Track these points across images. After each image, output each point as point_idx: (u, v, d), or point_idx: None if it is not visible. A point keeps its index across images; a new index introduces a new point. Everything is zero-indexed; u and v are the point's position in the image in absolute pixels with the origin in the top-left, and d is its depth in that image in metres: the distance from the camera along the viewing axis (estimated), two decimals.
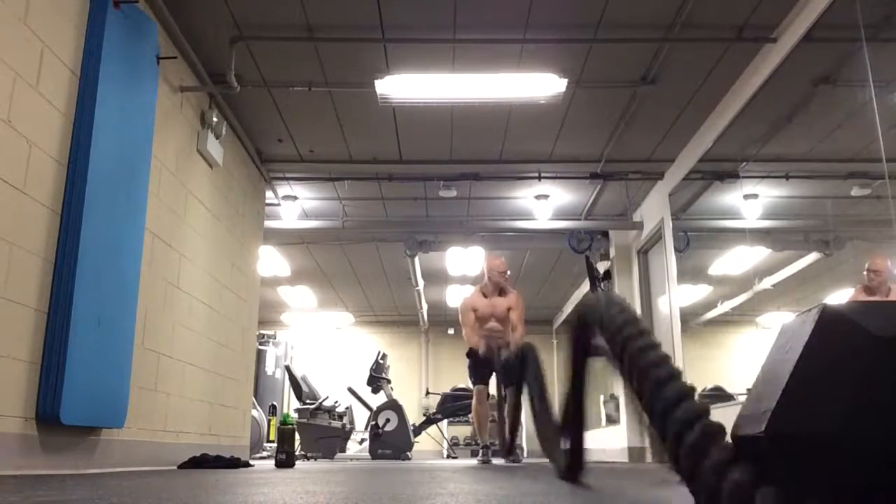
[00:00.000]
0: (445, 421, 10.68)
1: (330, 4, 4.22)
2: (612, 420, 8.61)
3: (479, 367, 5.60)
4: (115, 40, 3.45)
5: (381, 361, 9.64)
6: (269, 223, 6.89)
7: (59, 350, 2.95)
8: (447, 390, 10.70)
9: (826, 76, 4.28)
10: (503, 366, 5.10)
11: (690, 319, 6.13)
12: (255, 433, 7.95)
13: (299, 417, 8.66)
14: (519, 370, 4.47)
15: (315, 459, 8.46)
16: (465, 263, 8.98)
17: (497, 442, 5.63)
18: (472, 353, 5.80)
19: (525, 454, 10.28)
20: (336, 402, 9.18)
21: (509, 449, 4.77)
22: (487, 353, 5.34)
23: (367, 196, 7.11)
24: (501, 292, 5.73)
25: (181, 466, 4.13)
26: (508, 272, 5.80)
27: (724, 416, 0.83)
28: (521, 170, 6.52)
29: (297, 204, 7.30)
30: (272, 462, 5.64)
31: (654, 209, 6.88)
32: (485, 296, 5.73)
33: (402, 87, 4.85)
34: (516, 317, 5.56)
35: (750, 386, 0.92)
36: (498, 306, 5.58)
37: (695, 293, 6.26)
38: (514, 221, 7.59)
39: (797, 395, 0.75)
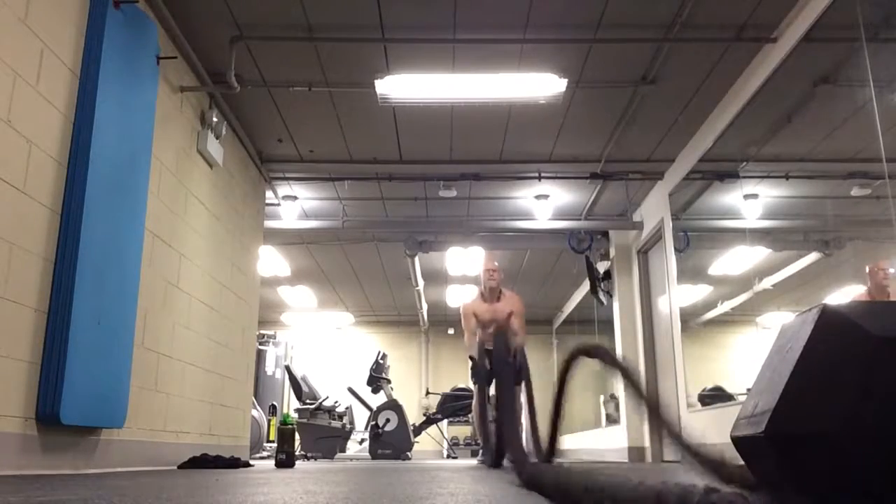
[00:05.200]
0: (445, 421, 10.69)
1: (330, 4, 4.22)
2: (612, 420, 8.61)
3: (482, 368, 5.58)
4: (115, 40, 3.45)
5: (381, 361, 9.65)
6: (269, 223, 6.89)
7: (59, 350, 2.95)
8: (447, 390, 10.71)
9: (826, 76, 4.28)
10: (499, 365, 5.04)
11: (690, 319, 6.13)
12: (255, 433, 7.95)
13: (299, 417, 8.67)
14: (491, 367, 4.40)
15: (315, 459, 8.46)
16: (465, 263, 8.98)
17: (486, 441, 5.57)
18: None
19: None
20: (336, 402, 9.19)
21: (497, 461, 4.46)
22: (486, 345, 5.30)
23: (367, 196, 7.11)
24: (500, 296, 5.67)
25: (181, 466, 4.14)
26: (496, 270, 5.72)
27: (724, 416, 0.82)
28: (521, 170, 6.52)
29: (297, 204, 7.31)
30: (272, 462, 5.64)
31: (654, 209, 6.88)
32: (485, 301, 5.68)
33: (402, 87, 4.85)
34: (518, 323, 5.46)
35: (750, 386, 0.92)
36: (499, 311, 5.48)
37: (695, 293, 6.26)
38: (514, 221, 7.59)
39: (797, 395, 0.75)
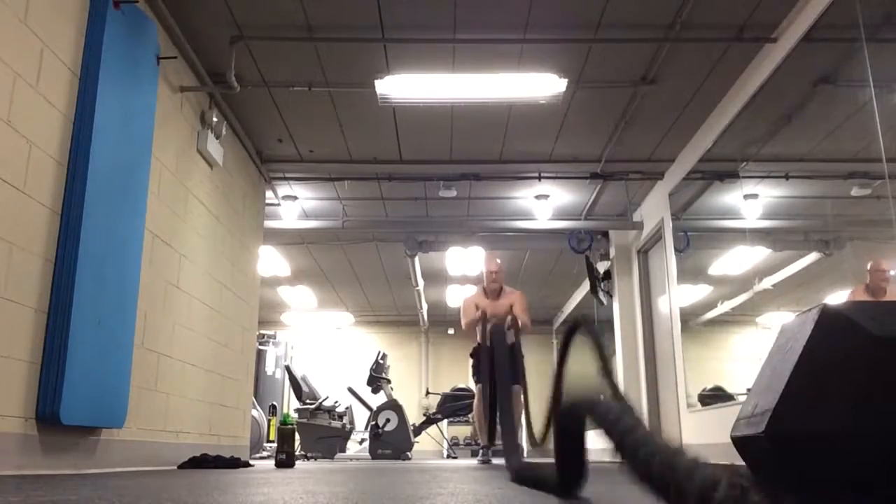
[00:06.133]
0: (445, 421, 10.69)
1: (330, 4, 4.22)
2: None
3: (483, 366, 5.60)
4: (115, 40, 3.45)
5: (381, 361, 9.65)
6: (269, 223, 6.89)
7: (59, 350, 2.95)
8: (447, 390, 10.71)
9: (826, 76, 4.28)
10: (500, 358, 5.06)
11: (690, 319, 6.13)
12: (255, 433, 7.95)
13: (299, 417, 8.67)
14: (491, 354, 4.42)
15: (315, 459, 8.46)
16: (465, 263, 8.98)
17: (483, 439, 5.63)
18: (475, 353, 5.81)
19: (525, 454, 10.27)
20: (336, 402, 9.18)
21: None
22: (487, 335, 5.33)
23: (367, 196, 7.11)
24: (501, 293, 5.75)
25: (181, 466, 4.14)
26: (498, 269, 5.78)
27: (724, 416, 0.82)
28: (521, 170, 6.52)
29: (297, 204, 7.31)
30: (272, 462, 5.64)
31: (654, 209, 6.88)
32: (486, 296, 5.75)
33: (402, 87, 4.85)
34: (519, 309, 5.55)
35: (750, 386, 0.92)
36: (500, 306, 5.59)
37: (695, 293, 6.25)
38: (514, 221, 7.59)
39: (797, 395, 0.75)
